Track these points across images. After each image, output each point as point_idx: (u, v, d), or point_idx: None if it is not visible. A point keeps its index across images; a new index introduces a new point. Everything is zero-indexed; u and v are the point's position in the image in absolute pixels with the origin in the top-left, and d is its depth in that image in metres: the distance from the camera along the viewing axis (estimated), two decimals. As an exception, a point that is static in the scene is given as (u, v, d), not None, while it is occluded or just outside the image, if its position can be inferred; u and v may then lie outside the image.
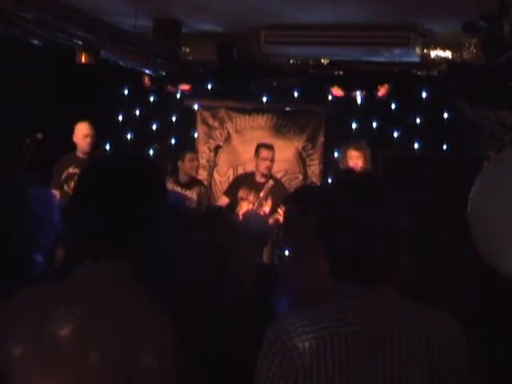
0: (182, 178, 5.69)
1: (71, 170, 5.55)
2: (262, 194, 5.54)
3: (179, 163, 5.70)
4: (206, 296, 1.73)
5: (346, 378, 1.26)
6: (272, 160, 5.62)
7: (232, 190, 5.81)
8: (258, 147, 5.70)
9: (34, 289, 1.45)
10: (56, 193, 5.49)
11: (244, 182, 5.78)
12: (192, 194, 5.65)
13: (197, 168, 5.87)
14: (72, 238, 1.44)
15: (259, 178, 5.64)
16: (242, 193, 5.66)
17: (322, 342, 1.26)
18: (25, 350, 1.35)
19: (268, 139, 6.66)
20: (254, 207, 5.48)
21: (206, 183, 5.92)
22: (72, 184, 5.52)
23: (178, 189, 5.57)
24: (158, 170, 1.55)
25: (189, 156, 5.73)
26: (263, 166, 5.57)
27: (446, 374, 1.32)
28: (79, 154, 5.55)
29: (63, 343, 1.33)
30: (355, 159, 5.25)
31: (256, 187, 5.62)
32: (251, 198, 5.60)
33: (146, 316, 1.35)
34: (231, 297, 1.75)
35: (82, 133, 5.49)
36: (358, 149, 5.29)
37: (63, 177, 5.54)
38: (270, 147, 5.67)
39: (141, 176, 1.45)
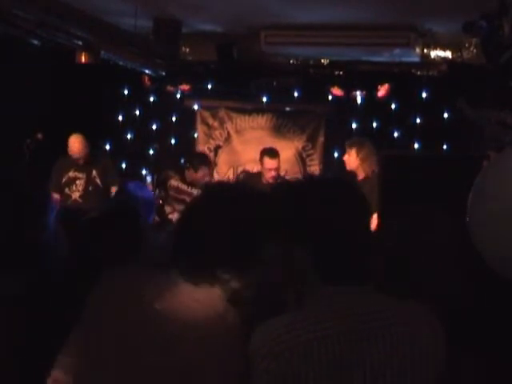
0: (188, 178, 5.44)
1: (71, 174, 5.58)
2: None
3: (190, 171, 5.38)
4: None
5: (333, 379, 1.26)
6: (277, 168, 5.50)
7: None
8: (262, 154, 5.53)
9: (126, 275, 1.52)
10: (56, 196, 5.51)
11: (251, 183, 5.72)
12: (197, 192, 5.63)
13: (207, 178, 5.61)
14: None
15: (265, 181, 5.58)
16: None
17: (310, 346, 1.25)
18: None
19: (268, 139, 6.66)
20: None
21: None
22: (73, 187, 5.55)
23: (184, 186, 5.52)
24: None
25: (203, 169, 5.43)
26: (269, 175, 5.45)
27: (426, 364, 1.34)
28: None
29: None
30: (347, 155, 5.25)
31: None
32: None
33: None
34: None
35: (70, 148, 5.53)
36: (348, 145, 5.28)
37: (64, 180, 5.56)
38: (274, 155, 5.49)
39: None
